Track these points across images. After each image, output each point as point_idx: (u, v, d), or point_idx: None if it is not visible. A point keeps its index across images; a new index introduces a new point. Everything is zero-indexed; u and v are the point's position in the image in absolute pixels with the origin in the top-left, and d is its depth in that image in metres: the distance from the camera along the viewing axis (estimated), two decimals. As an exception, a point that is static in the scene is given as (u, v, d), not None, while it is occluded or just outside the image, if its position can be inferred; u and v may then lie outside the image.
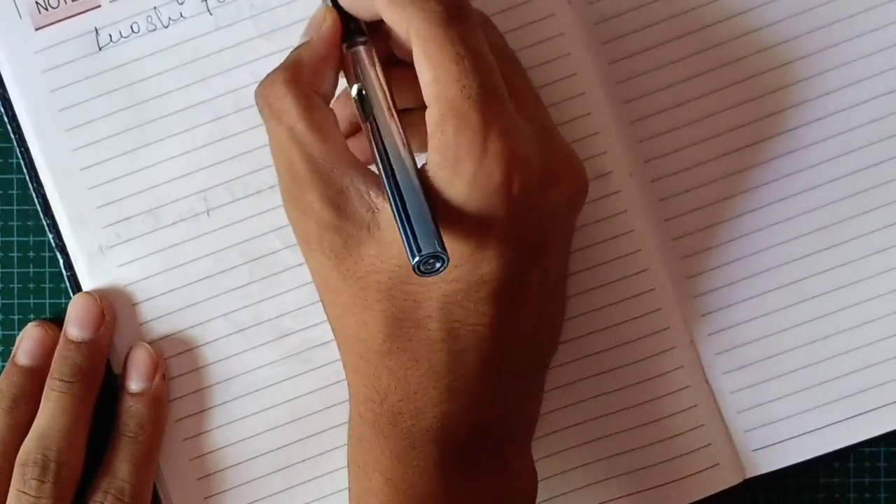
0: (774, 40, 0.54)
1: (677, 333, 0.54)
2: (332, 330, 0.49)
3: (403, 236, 0.42)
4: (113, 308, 0.53)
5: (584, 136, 0.53)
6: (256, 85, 0.47)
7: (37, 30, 0.53)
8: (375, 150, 0.45)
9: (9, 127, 0.53)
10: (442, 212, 0.43)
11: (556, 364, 0.53)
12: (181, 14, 0.53)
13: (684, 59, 0.54)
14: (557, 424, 0.54)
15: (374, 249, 0.45)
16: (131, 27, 0.53)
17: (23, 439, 0.52)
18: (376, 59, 0.46)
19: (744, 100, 0.54)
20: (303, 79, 0.46)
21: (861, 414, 0.55)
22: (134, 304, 0.53)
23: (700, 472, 0.54)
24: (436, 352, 0.46)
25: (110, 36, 0.53)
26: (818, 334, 0.54)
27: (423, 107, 0.44)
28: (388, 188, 0.43)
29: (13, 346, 0.54)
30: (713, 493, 0.55)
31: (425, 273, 0.42)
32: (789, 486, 0.56)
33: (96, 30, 0.53)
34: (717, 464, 0.54)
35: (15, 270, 0.55)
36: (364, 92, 0.45)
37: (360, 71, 0.46)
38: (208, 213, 0.53)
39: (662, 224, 0.54)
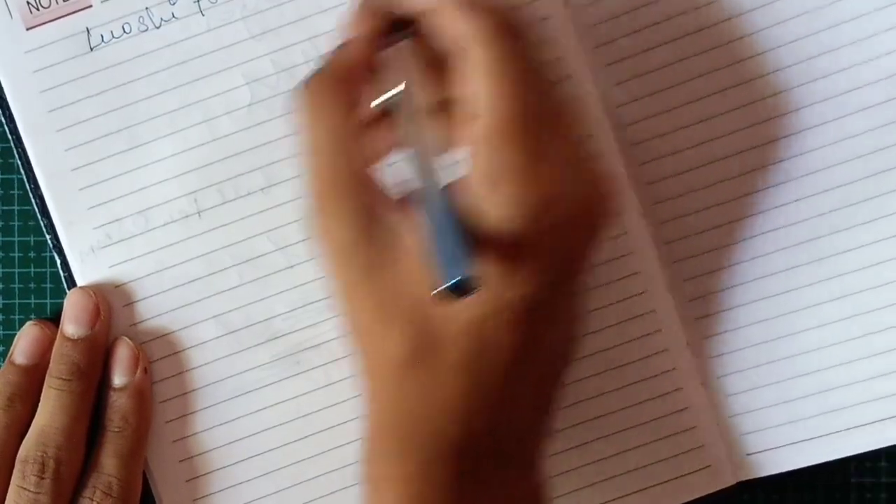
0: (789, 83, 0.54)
1: (670, 336, 0.54)
2: (353, 345, 0.48)
3: (435, 261, 0.41)
4: (108, 302, 0.53)
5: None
6: (294, 87, 0.46)
7: (28, 29, 0.53)
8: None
9: (6, 127, 0.53)
10: (476, 231, 0.43)
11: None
12: (173, 15, 0.53)
13: (688, 82, 0.54)
14: (550, 426, 0.54)
15: (398, 274, 0.44)
16: (123, 28, 0.53)
17: (20, 437, 0.52)
18: (414, 64, 0.46)
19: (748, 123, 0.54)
20: (343, 81, 0.45)
21: (857, 427, 0.54)
22: (125, 306, 0.53)
23: (692, 473, 0.54)
24: (458, 375, 0.45)
25: (102, 36, 0.53)
26: (815, 344, 0.54)
27: (451, 100, 0.44)
28: (423, 210, 0.43)
29: (14, 346, 0.54)
30: (704, 494, 0.54)
31: (455, 297, 0.41)
32: (789, 486, 0.56)
33: (88, 30, 0.53)
34: (709, 465, 0.54)
35: (16, 270, 0.55)
36: (401, 98, 0.45)
37: (399, 72, 0.45)
38: (199, 215, 0.53)
39: (658, 225, 0.54)
